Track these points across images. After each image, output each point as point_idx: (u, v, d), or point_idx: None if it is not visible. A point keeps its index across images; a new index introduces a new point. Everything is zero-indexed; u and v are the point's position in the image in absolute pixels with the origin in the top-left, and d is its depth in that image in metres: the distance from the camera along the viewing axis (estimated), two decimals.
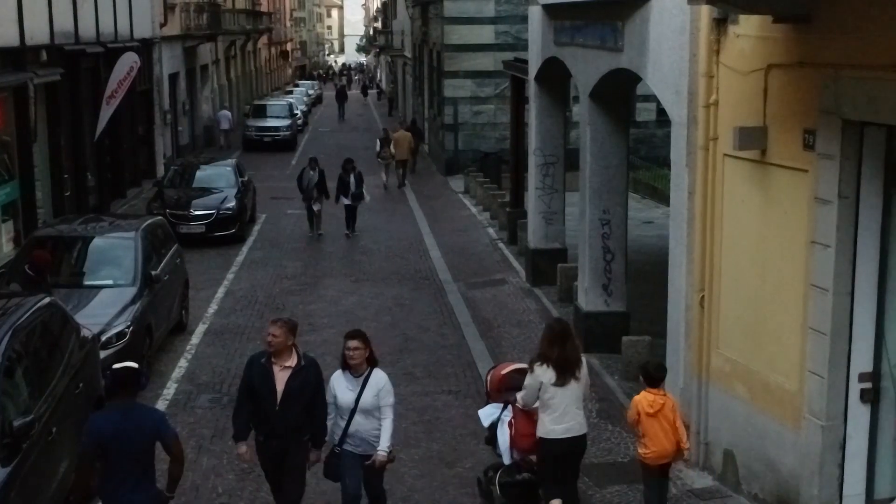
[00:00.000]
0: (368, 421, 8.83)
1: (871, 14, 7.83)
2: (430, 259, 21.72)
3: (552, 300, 17.56)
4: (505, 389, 9.75)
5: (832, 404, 8.69)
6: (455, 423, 12.36)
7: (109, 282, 14.29)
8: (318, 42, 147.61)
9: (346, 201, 24.30)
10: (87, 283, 14.40)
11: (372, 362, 8.89)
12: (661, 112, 30.21)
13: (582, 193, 14.86)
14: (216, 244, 22.73)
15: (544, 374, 9.00)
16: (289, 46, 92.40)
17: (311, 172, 24.41)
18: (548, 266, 18.31)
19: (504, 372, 9.96)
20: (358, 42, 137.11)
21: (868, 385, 8.65)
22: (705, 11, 10.02)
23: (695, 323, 10.61)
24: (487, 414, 9.89)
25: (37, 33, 21.31)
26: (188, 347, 15.27)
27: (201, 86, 43.58)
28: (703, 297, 10.45)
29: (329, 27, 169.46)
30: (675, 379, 10.99)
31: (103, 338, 12.56)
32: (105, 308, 13.46)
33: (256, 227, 25.54)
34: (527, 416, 9.30)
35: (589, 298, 14.87)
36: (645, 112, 31.48)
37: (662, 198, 25.53)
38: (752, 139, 9.31)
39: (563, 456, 9.09)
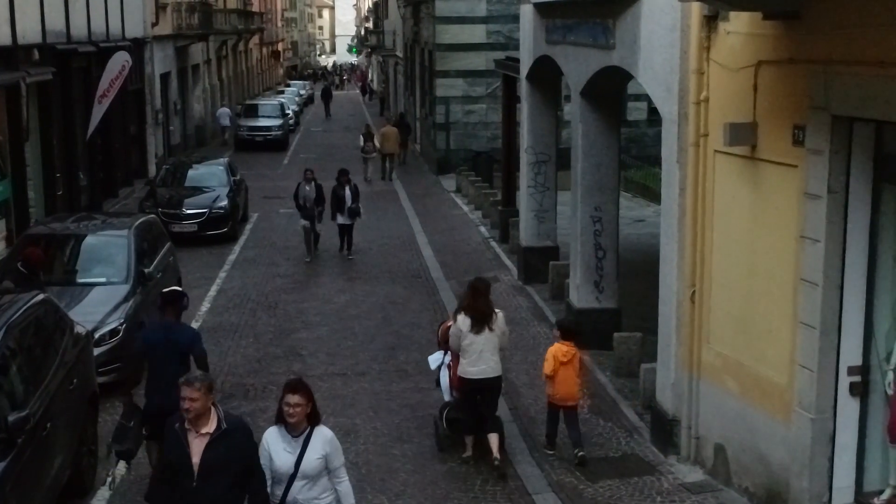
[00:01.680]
0: (312, 488, 7.33)
1: (860, 10, 7.90)
2: (423, 257, 21.77)
3: (544, 298, 17.61)
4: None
5: (822, 398, 8.75)
6: None
7: (102, 279, 14.32)
8: (310, 42, 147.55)
9: (342, 220, 21.53)
10: (80, 280, 14.43)
11: (314, 419, 7.37)
12: (652, 111, 30.36)
13: (574, 191, 14.91)
14: (208, 243, 22.76)
15: (463, 322, 10.74)
16: (280, 46, 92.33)
17: (307, 187, 21.54)
18: (540, 264, 18.37)
19: (448, 324, 11.44)
20: (349, 42, 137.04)
21: (857, 378, 8.71)
22: (696, 9, 10.09)
23: (686, 318, 10.67)
24: (435, 359, 11.65)
25: (29, 32, 21.33)
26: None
27: (193, 85, 43.57)
28: (694, 292, 10.52)
29: (320, 27, 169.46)
30: (667, 374, 11.07)
31: (96, 335, 12.59)
32: (98, 305, 13.51)
33: (248, 226, 25.56)
34: (457, 359, 10.93)
35: (581, 295, 14.93)
36: (636, 111, 31.57)
37: (653, 196, 25.60)
38: (743, 135, 9.38)
39: (478, 392, 10.81)
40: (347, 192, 21.44)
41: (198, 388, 6.97)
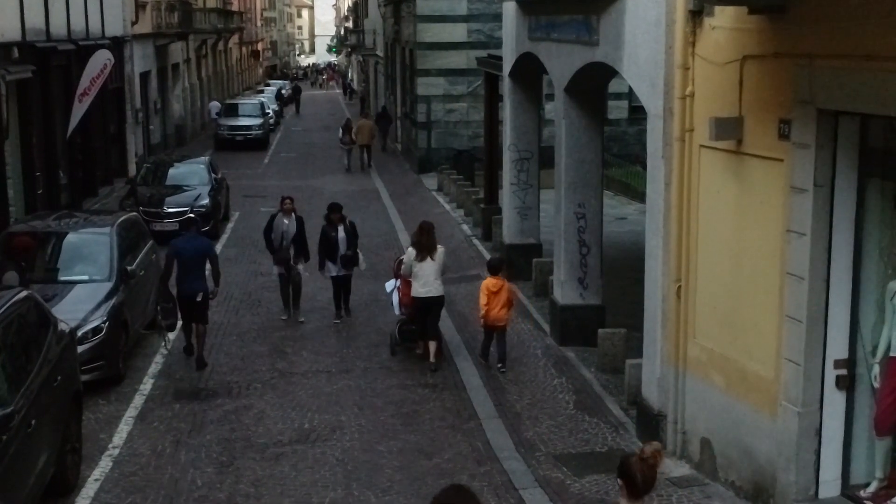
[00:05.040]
0: None
1: (845, 4, 7.93)
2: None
3: (527, 295, 17.60)
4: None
5: (808, 391, 8.78)
6: (433, 415, 12.40)
7: (85, 277, 14.22)
8: (289, 42, 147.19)
9: (334, 271, 16.56)
10: (62, 278, 14.33)
11: None
12: (634, 110, 30.51)
13: (557, 188, 14.92)
14: None
15: (410, 253, 14.18)
16: (260, 46, 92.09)
17: (286, 220, 16.66)
18: (523, 261, 18.37)
19: (402, 258, 14.69)
20: (329, 42, 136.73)
21: (843, 372, 8.75)
22: (681, 3, 10.11)
23: (671, 313, 10.68)
24: (389, 284, 15.08)
25: (8, 30, 21.18)
26: (164, 343, 15.20)
27: (172, 84, 43.38)
28: (679, 287, 10.52)
29: (300, 27, 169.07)
30: (653, 369, 11.08)
31: (79, 333, 12.49)
32: (81, 303, 13.41)
33: (230, 225, 25.46)
34: (407, 283, 14.31)
35: (565, 292, 14.93)
36: (617, 110, 31.59)
37: (635, 194, 25.68)
38: (728, 129, 9.39)
39: (425, 308, 14.06)
40: (341, 233, 16.49)
41: None
